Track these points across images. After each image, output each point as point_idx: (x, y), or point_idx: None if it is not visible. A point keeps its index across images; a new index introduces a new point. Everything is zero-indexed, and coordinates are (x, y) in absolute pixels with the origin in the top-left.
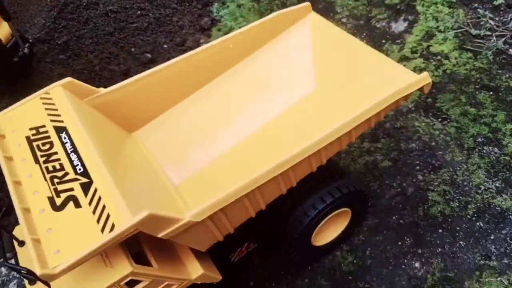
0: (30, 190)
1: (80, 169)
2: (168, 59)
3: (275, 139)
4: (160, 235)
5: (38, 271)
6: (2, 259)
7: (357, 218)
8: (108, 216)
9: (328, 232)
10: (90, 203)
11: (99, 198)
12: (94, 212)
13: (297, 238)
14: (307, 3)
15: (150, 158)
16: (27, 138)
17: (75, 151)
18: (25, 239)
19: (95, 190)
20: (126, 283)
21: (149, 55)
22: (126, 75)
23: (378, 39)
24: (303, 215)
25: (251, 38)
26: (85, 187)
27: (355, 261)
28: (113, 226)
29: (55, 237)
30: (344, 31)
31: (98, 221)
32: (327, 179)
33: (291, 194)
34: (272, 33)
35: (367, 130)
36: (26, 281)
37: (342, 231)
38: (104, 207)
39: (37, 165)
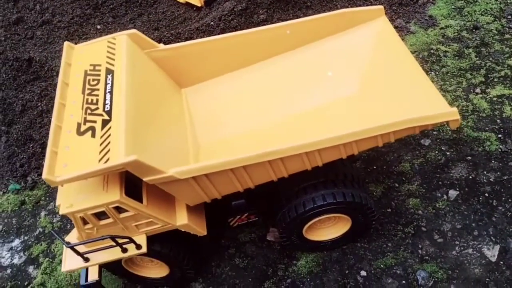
0: (69, 112)
1: (107, 108)
2: None
3: (296, 128)
4: (145, 179)
5: (44, 175)
6: None
7: (359, 228)
8: (108, 150)
9: (324, 230)
10: (101, 136)
11: (109, 135)
12: (101, 144)
13: (284, 227)
14: (380, 7)
15: (187, 114)
16: (85, 71)
17: (111, 92)
18: (47, 149)
19: (110, 128)
20: (116, 208)
21: None
22: None
23: None
24: (293, 209)
25: (311, 29)
26: (104, 123)
27: None
28: (107, 160)
29: (68, 154)
30: (403, 43)
31: (100, 152)
32: (329, 182)
33: (293, 185)
34: (337, 28)
35: (377, 147)
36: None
37: (340, 235)
38: (109, 143)
39: (82, 95)
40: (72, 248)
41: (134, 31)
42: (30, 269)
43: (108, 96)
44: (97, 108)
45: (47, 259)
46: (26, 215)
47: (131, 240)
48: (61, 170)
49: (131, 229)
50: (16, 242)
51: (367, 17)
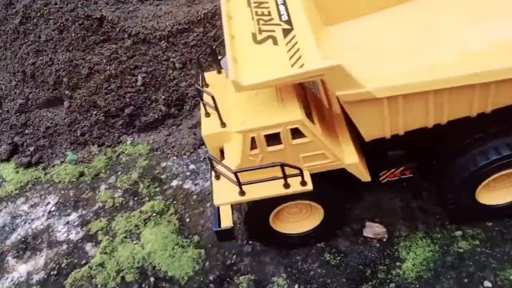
0: (239, 24)
1: (285, 18)
2: None
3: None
4: (337, 93)
5: (231, 78)
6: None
7: None
8: (300, 56)
9: (503, 191)
10: (287, 44)
11: (296, 42)
12: (288, 51)
13: (458, 185)
14: None
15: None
16: None
17: (284, 3)
18: (228, 56)
19: (294, 36)
20: (292, 131)
21: None
22: None
23: None
24: (471, 160)
25: None
26: (286, 32)
27: None
28: (302, 65)
29: (250, 61)
30: None
31: (290, 58)
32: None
33: (466, 135)
34: None
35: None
36: (202, 113)
37: None
38: (298, 49)
39: (249, 8)
40: (236, 175)
41: None
42: (88, 246)
43: (282, 7)
44: (272, 19)
45: (106, 237)
46: (85, 188)
47: (301, 173)
48: (247, 76)
49: (297, 161)
50: (73, 216)
51: None
